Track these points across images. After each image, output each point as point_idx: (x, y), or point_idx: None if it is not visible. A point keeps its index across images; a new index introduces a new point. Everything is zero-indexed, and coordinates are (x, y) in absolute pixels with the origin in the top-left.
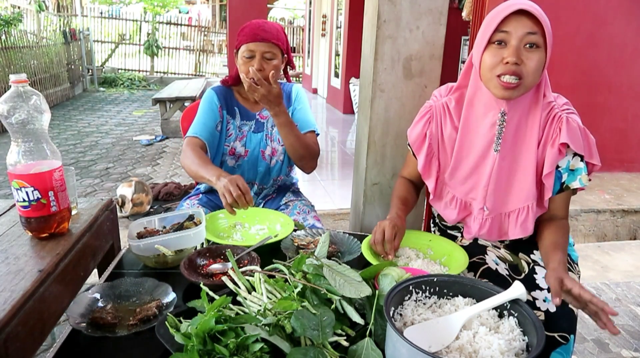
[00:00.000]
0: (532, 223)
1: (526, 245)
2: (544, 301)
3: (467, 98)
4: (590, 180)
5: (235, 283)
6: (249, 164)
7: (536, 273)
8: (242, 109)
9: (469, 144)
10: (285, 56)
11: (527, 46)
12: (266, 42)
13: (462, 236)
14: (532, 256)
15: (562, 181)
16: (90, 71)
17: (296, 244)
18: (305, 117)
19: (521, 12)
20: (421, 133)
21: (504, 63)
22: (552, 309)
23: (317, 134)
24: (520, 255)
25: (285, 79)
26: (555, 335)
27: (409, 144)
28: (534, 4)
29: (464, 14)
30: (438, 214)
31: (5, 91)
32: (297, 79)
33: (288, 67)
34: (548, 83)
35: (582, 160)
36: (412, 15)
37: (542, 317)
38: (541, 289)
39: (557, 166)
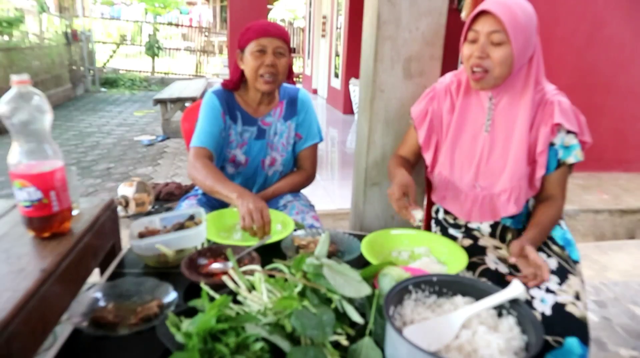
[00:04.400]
0: (523, 201)
1: None
2: (541, 301)
3: (463, 84)
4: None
5: (235, 283)
6: (248, 174)
7: None
8: (244, 114)
9: (462, 125)
10: (291, 56)
11: (493, 42)
12: (278, 38)
13: (463, 236)
14: None
15: (559, 157)
16: (91, 71)
17: (296, 244)
18: (309, 128)
19: (487, 12)
20: (424, 109)
21: (473, 57)
22: (548, 312)
23: (321, 140)
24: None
25: (289, 81)
26: (549, 338)
27: (411, 118)
28: (506, 2)
29: (463, 14)
30: (437, 209)
31: (7, 92)
32: (297, 79)
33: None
34: (542, 71)
35: (575, 137)
36: (412, 15)
37: (539, 318)
38: (539, 288)
39: (552, 144)
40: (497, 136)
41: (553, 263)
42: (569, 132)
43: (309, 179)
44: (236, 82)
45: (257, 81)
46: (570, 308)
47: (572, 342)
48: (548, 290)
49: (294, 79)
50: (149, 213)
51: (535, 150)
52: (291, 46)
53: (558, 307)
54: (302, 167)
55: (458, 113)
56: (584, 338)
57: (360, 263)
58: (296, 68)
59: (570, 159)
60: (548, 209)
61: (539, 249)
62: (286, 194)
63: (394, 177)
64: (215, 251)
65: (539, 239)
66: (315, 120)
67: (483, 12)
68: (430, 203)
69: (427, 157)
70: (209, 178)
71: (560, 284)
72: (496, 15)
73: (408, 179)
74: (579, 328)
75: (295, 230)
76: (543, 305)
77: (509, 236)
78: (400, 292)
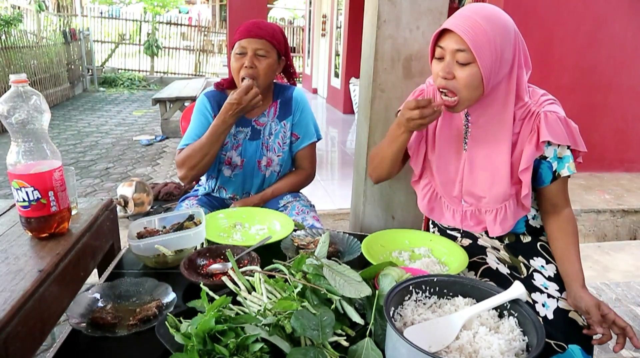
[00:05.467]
0: (511, 221)
1: (526, 249)
2: (543, 306)
3: None
4: (580, 162)
5: (235, 283)
6: (245, 175)
7: (534, 279)
8: None
9: (444, 140)
10: (283, 58)
11: (458, 62)
12: (259, 39)
13: (462, 236)
14: (532, 261)
15: (554, 169)
16: (90, 71)
17: (296, 244)
18: (306, 128)
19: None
20: None
21: (439, 77)
22: (550, 316)
23: (319, 139)
24: (520, 257)
25: (288, 82)
26: (552, 342)
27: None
28: (474, 17)
29: None
30: None
31: (5, 91)
32: (297, 78)
33: (291, 72)
34: (524, 87)
35: (568, 148)
36: (412, 15)
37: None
38: (541, 292)
39: (545, 157)
40: (476, 156)
41: (552, 269)
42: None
43: (308, 178)
44: (230, 82)
45: (240, 83)
46: (573, 316)
47: (574, 350)
48: (549, 296)
49: (294, 79)
50: (148, 213)
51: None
52: (291, 45)
53: (561, 312)
54: (300, 167)
55: (439, 127)
56: (587, 347)
57: (360, 263)
58: (296, 67)
59: (564, 172)
60: (568, 226)
61: (537, 254)
62: (286, 194)
63: (389, 131)
64: (214, 251)
65: (582, 270)
66: (312, 119)
67: (447, 29)
68: None
69: (416, 166)
70: (193, 147)
71: (560, 291)
72: (459, 34)
73: (406, 102)
74: (582, 336)
75: (295, 230)
76: (545, 310)
77: (506, 239)
78: (400, 293)
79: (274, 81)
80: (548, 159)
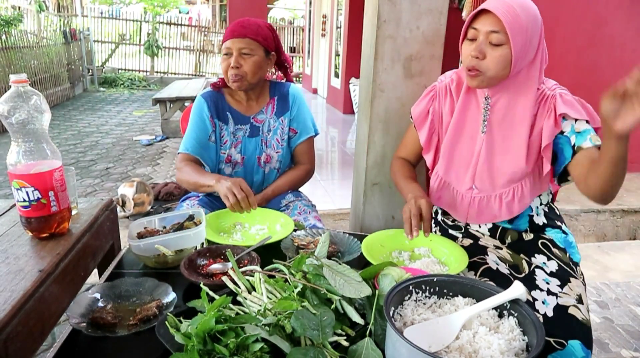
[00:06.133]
0: (528, 199)
1: (528, 247)
2: (543, 303)
3: (465, 82)
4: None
5: (235, 283)
6: (245, 172)
7: (536, 275)
8: (234, 114)
9: (461, 125)
10: (273, 53)
11: (491, 42)
12: (242, 37)
13: (463, 236)
14: (533, 259)
15: (572, 143)
16: (90, 71)
17: (296, 244)
18: (304, 122)
19: (488, 11)
20: (424, 109)
21: (470, 57)
22: (550, 314)
23: (316, 134)
24: (522, 255)
25: (284, 76)
26: (551, 340)
27: (411, 117)
28: (509, 2)
29: (464, 14)
30: (436, 210)
31: (6, 91)
32: (297, 79)
33: (286, 66)
34: (542, 76)
35: (586, 123)
36: (412, 15)
37: (540, 320)
38: (541, 290)
39: (562, 132)
40: (494, 138)
41: (553, 265)
42: (577, 120)
43: (308, 173)
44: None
45: (229, 82)
46: (572, 311)
47: (574, 345)
48: (549, 292)
49: (292, 78)
50: (148, 213)
51: (539, 149)
52: (291, 45)
53: (560, 309)
54: (300, 162)
55: (457, 113)
56: (587, 342)
57: (360, 263)
58: (296, 67)
59: (586, 144)
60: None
61: (538, 251)
62: (288, 194)
63: (405, 191)
64: (214, 251)
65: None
66: (308, 114)
67: (484, 11)
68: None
69: (428, 158)
70: (191, 176)
71: (561, 287)
72: (496, 15)
73: (422, 203)
74: (581, 331)
75: (295, 230)
76: (545, 307)
77: (508, 238)
78: (400, 293)
79: (272, 79)
80: (566, 134)
